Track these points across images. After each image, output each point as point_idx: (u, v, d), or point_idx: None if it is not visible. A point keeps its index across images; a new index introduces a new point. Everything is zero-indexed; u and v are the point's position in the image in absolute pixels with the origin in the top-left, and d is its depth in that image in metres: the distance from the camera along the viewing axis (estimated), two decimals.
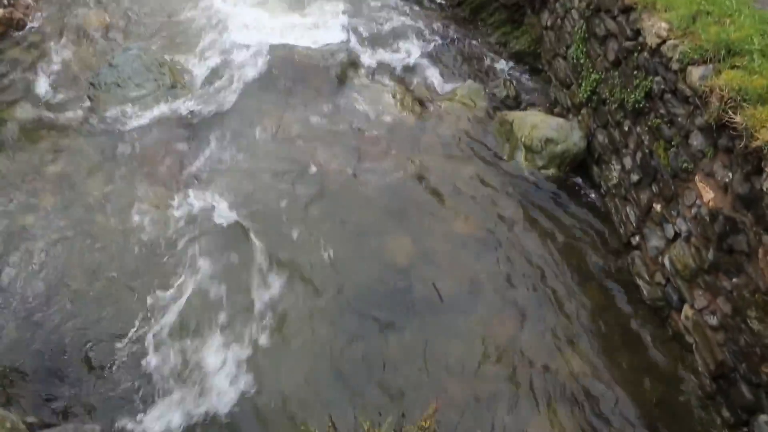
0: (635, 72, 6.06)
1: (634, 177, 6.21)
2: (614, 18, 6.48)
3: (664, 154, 5.67)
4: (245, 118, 7.28)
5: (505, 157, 7.30)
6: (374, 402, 4.87)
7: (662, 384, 5.30)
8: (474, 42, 9.03)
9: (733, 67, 4.87)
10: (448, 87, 8.22)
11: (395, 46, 8.63)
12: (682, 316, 5.42)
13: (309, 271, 5.80)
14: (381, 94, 7.86)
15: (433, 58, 8.62)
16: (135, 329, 5.25)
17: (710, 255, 5.00)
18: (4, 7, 7.94)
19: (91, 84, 7.41)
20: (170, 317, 5.32)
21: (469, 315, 5.62)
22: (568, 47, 7.66)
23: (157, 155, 6.76)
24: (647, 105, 5.91)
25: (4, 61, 7.62)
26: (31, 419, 4.50)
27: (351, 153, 7.03)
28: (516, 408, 5.03)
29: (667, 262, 5.62)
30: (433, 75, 8.37)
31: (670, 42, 5.51)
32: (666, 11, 5.74)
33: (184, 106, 7.26)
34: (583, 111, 7.28)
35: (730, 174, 4.74)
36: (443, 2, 9.75)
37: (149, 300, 5.44)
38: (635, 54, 6.06)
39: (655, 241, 5.84)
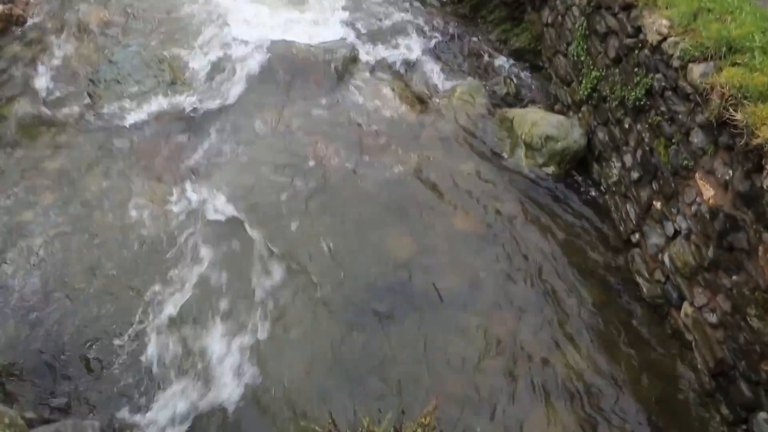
0: (636, 69, 6.05)
1: (635, 174, 6.21)
2: (615, 15, 6.47)
3: (664, 152, 5.67)
4: (245, 114, 7.27)
5: (505, 155, 7.30)
6: (374, 398, 4.88)
7: (661, 381, 5.31)
8: (474, 39, 9.02)
9: (734, 64, 4.86)
10: (449, 84, 8.20)
11: (395, 43, 8.61)
12: (682, 314, 5.42)
13: (309, 265, 5.80)
14: (381, 91, 7.85)
15: (434, 54, 8.61)
16: (134, 325, 5.25)
17: (710, 253, 5.00)
18: (4, 3, 7.91)
19: (91, 80, 7.39)
20: (169, 313, 5.32)
21: (469, 311, 5.62)
22: (568, 44, 7.65)
23: (157, 151, 6.75)
24: (648, 102, 5.91)
25: (4, 58, 7.60)
26: (30, 415, 4.50)
27: (351, 148, 7.03)
28: (515, 404, 5.03)
29: (666, 259, 5.62)
30: (434, 72, 8.36)
31: (671, 39, 5.50)
32: (667, 8, 5.74)
33: (184, 102, 7.25)
34: (584, 108, 7.27)
35: (731, 171, 4.73)
36: None
37: (149, 295, 5.44)
38: (636, 51, 6.05)
39: (655, 239, 5.84)
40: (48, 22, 8.15)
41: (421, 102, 7.84)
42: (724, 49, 4.97)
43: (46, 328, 5.16)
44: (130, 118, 7.01)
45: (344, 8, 9.07)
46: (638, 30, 6.02)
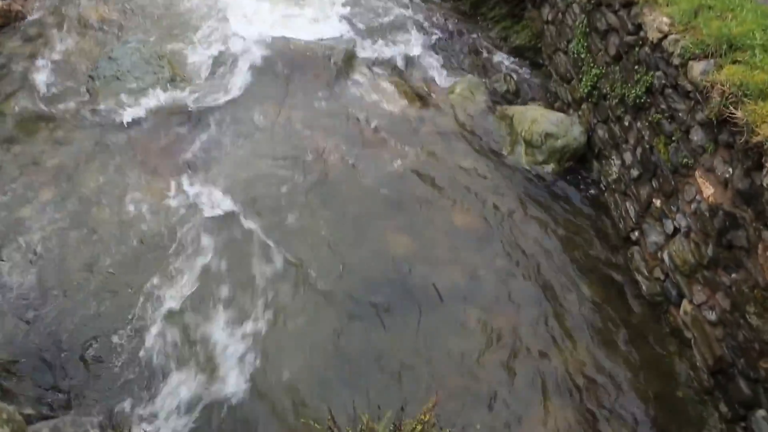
0: (636, 67, 6.05)
1: (634, 172, 6.21)
2: (615, 12, 6.46)
3: (664, 150, 5.67)
4: (245, 110, 7.26)
5: (505, 152, 7.29)
6: (373, 393, 4.88)
7: (660, 379, 5.32)
8: (474, 36, 9.01)
9: (734, 62, 4.86)
10: (448, 81, 8.20)
11: (395, 39, 8.60)
12: (681, 312, 5.42)
13: (308, 261, 5.80)
14: (381, 87, 7.84)
15: (433, 51, 8.59)
16: (133, 320, 5.24)
17: (709, 250, 5.00)
18: None
19: (90, 77, 7.37)
20: (169, 308, 5.31)
21: (468, 307, 5.62)
22: (568, 42, 7.64)
23: (156, 147, 6.74)
24: (648, 100, 5.90)
25: (2, 53, 7.56)
26: (28, 411, 4.49)
27: (350, 144, 7.02)
28: (515, 400, 5.04)
29: (666, 257, 5.62)
30: (433, 68, 8.35)
31: (671, 37, 5.50)
32: (667, 5, 5.73)
33: (184, 98, 7.22)
34: (584, 106, 7.26)
35: (731, 169, 4.73)
36: None
37: (148, 291, 5.42)
38: (636, 49, 6.04)
39: (654, 237, 5.84)
40: (47, 18, 8.12)
41: (420, 98, 7.83)
42: (724, 46, 4.97)
43: (45, 324, 5.15)
44: (129, 114, 6.98)
45: (344, 4, 9.05)
46: (639, 27, 6.02)
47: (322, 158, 6.82)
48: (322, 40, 8.30)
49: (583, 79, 7.14)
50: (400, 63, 8.29)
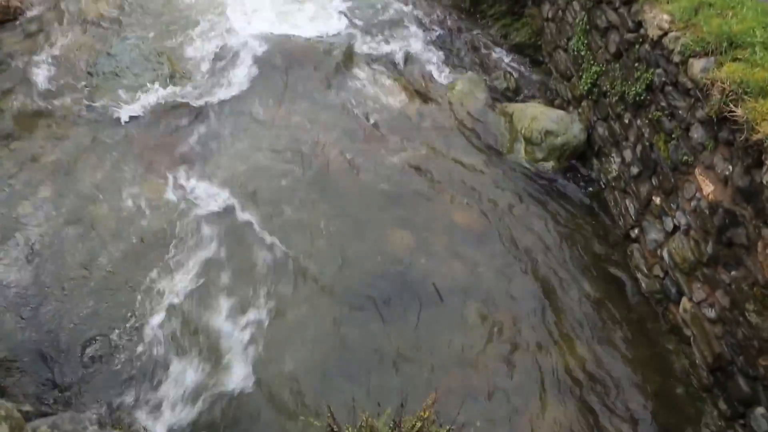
0: (636, 64, 6.04)
1: (634, 170, 6.20)
2: (616, 9, 6.46)
3: (664, 147, 5.66)
4: (244, 106, 7.26)
5: (504, 149, 7.29)
6: (373, 391, 4.88)
7: (660, 376, 5.33)
8: (474, 33, 8.99)
9: (734, 59, 4.86)
10: (448, 78, 8.18)
11: (395, 36, 8.58)
12: (681, 309, 5.42)
13: (308, 257, 5.81)
14: (380, 84, 7.83)
15: (433, 48, 8.58)
16: (132, 316, 5.24)
17: (709, 248, 5.00)
18: None
19: (89, 73, 7.35)
20: (168, 303, 5.31)
21: (468, 304, 5.63)
22: (569, 39, 7.63)
23: (155, 143, 6.73)
24: (648, 97, 5.90)
25: (1, 50, 7.55)
26: (27, 408, 4.48)
27: (350, 140, 7.03)
28: (514, 397, 5.05)
29: (665, 254, 5.62)
30: (433, 65, 8.33)
31: (671, 34, 5.49)
32: (668, 3, 5.73)
33: (183, 95, 7.21)
34: (584, 103, 7.26)
35: (731, 167, 4.73)
36: None
37: (147, 287, 5.42)
38: (636, 46, 6.04)
39: (654, 234, 5.84)
40: (46, 14, 8.09)
41: (420, 95, 7.82)
42: (725, 44, 4.96)
43: (44, 321, 5.15)
44: (129, 111, 6.97)
45: (344, 0, 9.03)
46: (639, 25, 6.01)
47: (321, 153, 6.81)
48: (321, 36, 8.29)
49: (583, 77, 7.13)
50: (399, 60, 8.28)
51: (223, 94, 7.32)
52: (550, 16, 8.22)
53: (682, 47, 5.27)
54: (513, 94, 8.16)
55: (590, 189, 6.96)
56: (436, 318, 5.49)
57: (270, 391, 4.89)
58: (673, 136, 5.53)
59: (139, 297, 5.35)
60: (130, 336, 5.12)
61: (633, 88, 6.05)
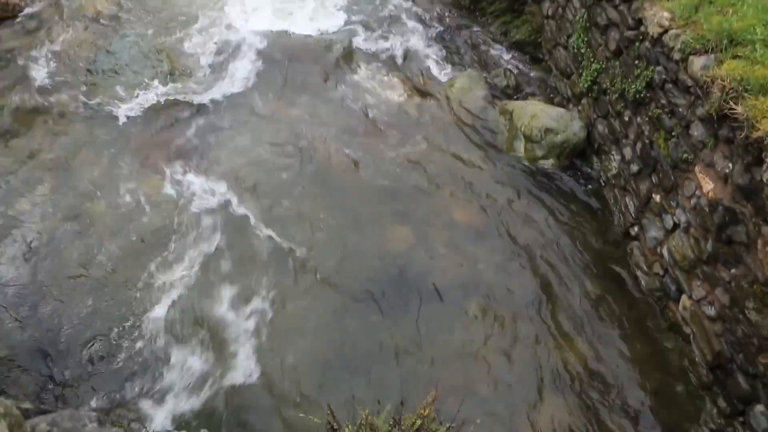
0: (636, 62, 6.03)
1: (634, 167, 6.20)
2: (616, 7, 6.44)
3: (664, 145, 5.66)
4: (244, 103, 7.27)
5: (504, 147, 7.28)
6: (373, 384, 4.90)
7: (659, 373, 5.33)
8: (474, 30, 8.98)
9: (735, 57, 4.85)
10: (448, 75, 8.18)
11: (395, 33, 8.58)
12: (680, 307, 5.42)
13: (308, 254, 5.83)
14: (380, 80, 7.83)
15: (433, 46, 8.57)
16: (131, 313, 5.24)
17: (709, 246, 5.00)
18: None
19: (88, 70, 7.35)
20: (166, 302, 5.32)
21: (467, 301, 5.64)
22: (569, 37, 7.61)
23: (154, 141, 6.73)
24: (648, 95, 5.89)
25: (0, 47, 7.54)
26: (26, 405, 4.48)
27: (349, 136, 7.04)
28: (514, 394, 5.06)
29: (665, 252, 5.62)
30: (433, 62, 8.33)
31: (671, 31, 5.48)
32: (668, 0, 5.71)
33: (182, 92, 7.22)
34: (584, 101, 7.25)
35: (731, 165, 4.73)
36: None
37: (146, 284, 5.43)
38: (637, 43, 6.03)
39: (654, 232, 5.84)
40: (45, 11, 8.08)
41: (419, 92, 7.82)
42: (725, 41, 4.95)
43: (43, 318, 5.15)
44: (128, 108, 6.98)
45: None
46: (639, 22, 6.00)
47: (320, 149, 6.83)
48: (321, 32, 8.30)
49: (583, 74, 7.12)
50: (399, 56, 8.28)
51: (222, 91, 7.33)
52: (550, 13, 8.21)
53: (682, 45, 5.26)
54: (513, 92, 8.15)
55: (590, 187, 6.96)
56: (436, 313, 5.51)
57: (271, 383, 4.91)
58: (673, 133, 5.52)
59: (138, 294, 5.36)
60: (129, 332, 5.13)
61: (633, 86, 6.05)
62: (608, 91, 6.64)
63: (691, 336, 5.29)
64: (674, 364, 5.39)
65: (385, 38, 8.48)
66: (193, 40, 7.99)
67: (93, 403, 4.71)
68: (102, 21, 8.11)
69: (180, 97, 7.14)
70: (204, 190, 6.23)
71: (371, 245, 5.96)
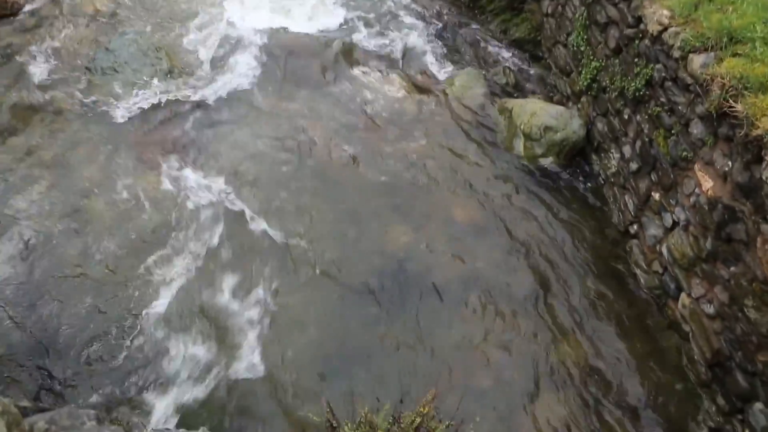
0: (636, 60, 6.02)
1: (634, 165, 6.20)
2: (615, 5, 6.44)
3: (663, 143, 5.65)
4: (243, 100, 7.26)
5: (503, 145, 7.28)
6: (372, 379, 4.91)
7: (658, 371, 5.33)
8: (474, 28, 8.97)
9: (734, 54, 4.84)
10: (447, 73, 8.17)
11: (395, 31, 8.58)
12: (679, 305, 5.42)
13: (308, 252, 5.82)
14: (379, 79, 7.83)
15: (433, 43, 8.57)
16: (131, 311, 5.24)
17: (708, 244, 5.00)
18: None
19: (87, 68, 7.34)
20: (166, 298, 5.33)
21: (467, 297, 5.64)
22: (568, 34, 7.61)
23: (153, 138, 6.72)
24: (647, 93, 5.88)
25: None
26: (24, 403, 4.47)
27: (348, 133, 7.04)
28: (513, 391, 5.06)
29: (665, 250, 5.62)
30: (432, 61, 8.33)
31: (671, 29, 5.48)
32: None
33: (181, 89, 7.21)
34: (583, 99, 7.24)
35: (730, 163, 4.72)
36: None
37: (145, 281, 5.42)
38: (636, 41, 6.02)
39: (653, 230, 5.84)
40: (44, 9, 8.07)
41: (419, 89, 7.81)
42: (724, 39, 4.94)
43: (42, 316, 5.13)
44: (127, 107, 6.96)
45: None
46: (639, 20, 5.99)
47: (319, 144, 6.84)
48: (320, 30, 8.29)
49: (583, 72, 7.12)
50: (398, 54, 8.28)
51: (221, 87, 7.33)
52: (549, 11, 8.20)
53: (681, 43, 5.25)
54: (512, 90, 8.15)
55: (589, 185, 6.96)
56: (435, 307, 5.52)
57: (265, 388, 4.90)
58: (672, 131, 5.52)
59: (137, 290, 5.36)
60: (129, 328, 5.13)
61: (632, 84, 6.04)
62: (608, 89, 6.63)
63: (690, 334, 5.29)
64: (673, 362, 5.39)
65: (385, 35, 8.47)
66: (192, 37, 7.99)
67: (92, 401, 4.70)
68: (101, 18, 8.10)
69: (179, 94, 7.14)
70: (203, 185, 6.24)
71: (370, 240, 5.98)
